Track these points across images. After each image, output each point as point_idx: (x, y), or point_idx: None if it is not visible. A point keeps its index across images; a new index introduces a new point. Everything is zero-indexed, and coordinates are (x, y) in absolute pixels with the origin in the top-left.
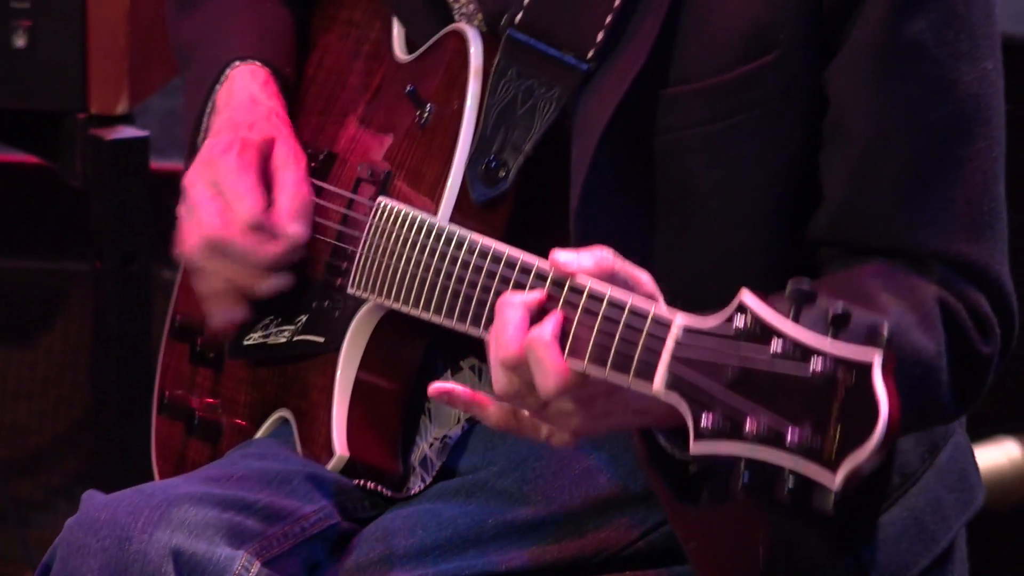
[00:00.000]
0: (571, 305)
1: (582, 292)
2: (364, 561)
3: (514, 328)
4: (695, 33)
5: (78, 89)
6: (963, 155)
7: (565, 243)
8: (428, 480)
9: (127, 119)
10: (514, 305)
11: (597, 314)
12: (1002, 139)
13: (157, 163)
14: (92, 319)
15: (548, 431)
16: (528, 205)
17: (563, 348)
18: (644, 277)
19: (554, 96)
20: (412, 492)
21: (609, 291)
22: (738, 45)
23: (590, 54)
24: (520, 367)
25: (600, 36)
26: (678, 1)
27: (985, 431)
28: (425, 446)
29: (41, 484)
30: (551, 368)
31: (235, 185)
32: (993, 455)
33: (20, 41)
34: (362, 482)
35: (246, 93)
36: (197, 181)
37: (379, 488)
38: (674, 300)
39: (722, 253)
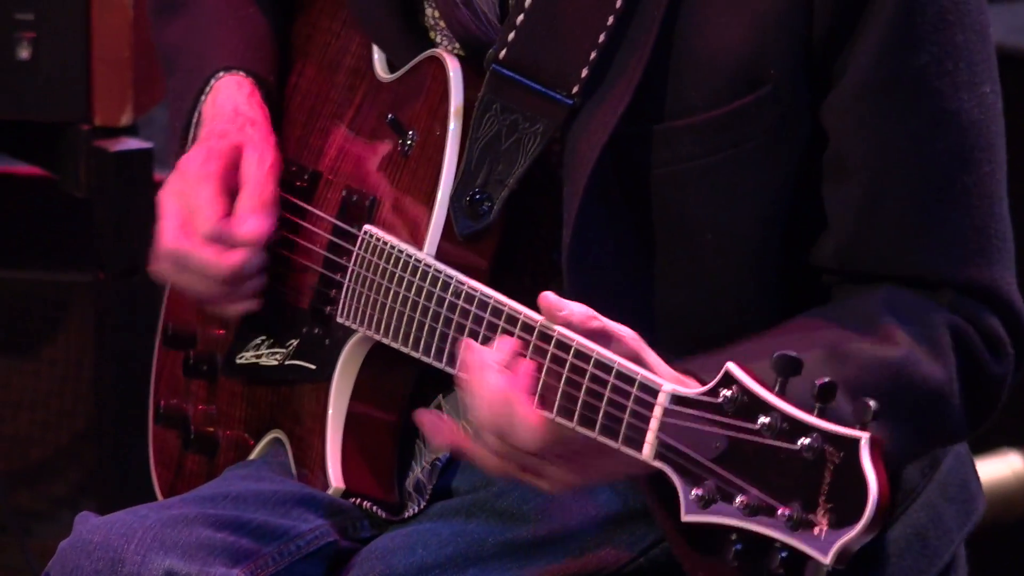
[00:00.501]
0: (558, 363)
1: (568, 349)
2: None
3: (488, 390)
4: (684, 68)
5: (82, 100)
6: (968, 182)
7: (557, 278)
8: (423, 504)
9: (131, 130)
10: (488, 368)
11: (584, 374)
12: (1003, 158)
13: (161, 174)
14: (95, 330)
15: (537, 483)
16: (518, 239)
17: (551, 408)
18: (627, 333)
19: (539, 131)
20: (408, 515)
21: (596, 351)
22: (729, 80)
23: (575, 89)
24: (498, 427)
25: (585, 72)
26: (664, 37)
27: (989, 444)
28: (418, 469)
29: (42, 495)
30: (526, 424)
31: (196, 196)
32: (997, 468)
33: (24, 52)
34: (359, 501)
35: (230, 104)
36: (167, 196)
37: (375, 509)
38: (670, 333)
39: (718, 285)
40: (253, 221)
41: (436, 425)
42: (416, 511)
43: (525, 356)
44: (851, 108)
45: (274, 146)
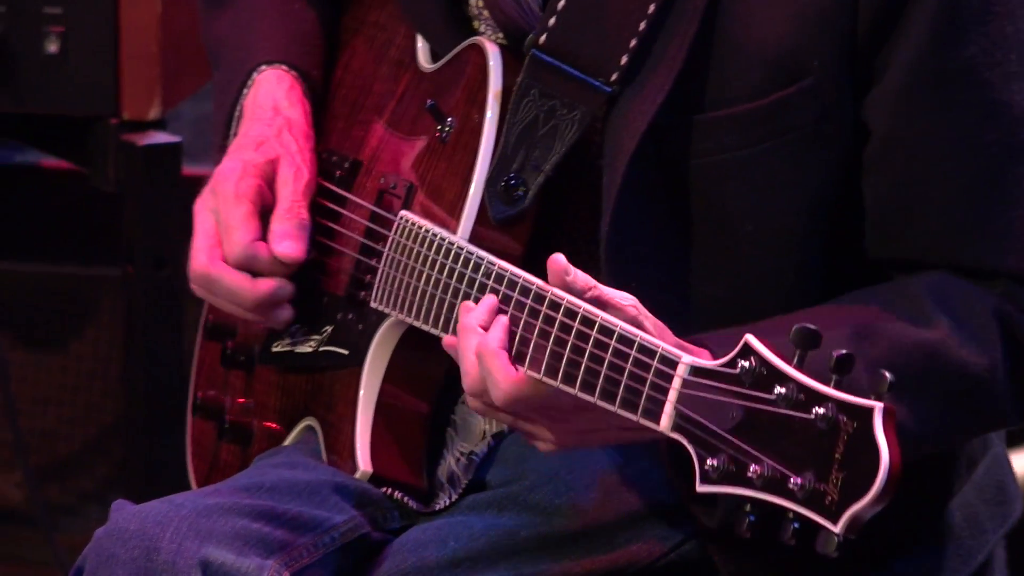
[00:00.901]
0: (582, 339)
1: (592, 325)
2: (395, 572)
3: (471, 354)
4: (726, 58)
5: (110, 95)
6: (1020, 173)
7: (595, 268)
8: (455, 496)
9: (159, 124)
10: (470, 331)
11: (607, 349)
12: None
13: (189, 168)
14: (123, 324)
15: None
16: (557, 229)
17: (571, 382)
18: (628, 300)
19: (576, 117)
20: (439, 507)
21: (620, 326)
22: (771, 71)
23: (614, 77)
24: (483, 393)
25: (624, 59)
26: (706, 26)
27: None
28: (452, 460)
29: (72, 490)
30: (499, 377)
31: (229, 216)
32: None
33: (52, 47)
34: (389, 491)
35: (270, 101)
36: (201, 209)
37: (406, 500)
38: (709, 324)
39: (758, 277)
40: (287, 244)
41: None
42: (448, 503)
43: (506, 312)
44: (898, 102)
45: (311, 154)
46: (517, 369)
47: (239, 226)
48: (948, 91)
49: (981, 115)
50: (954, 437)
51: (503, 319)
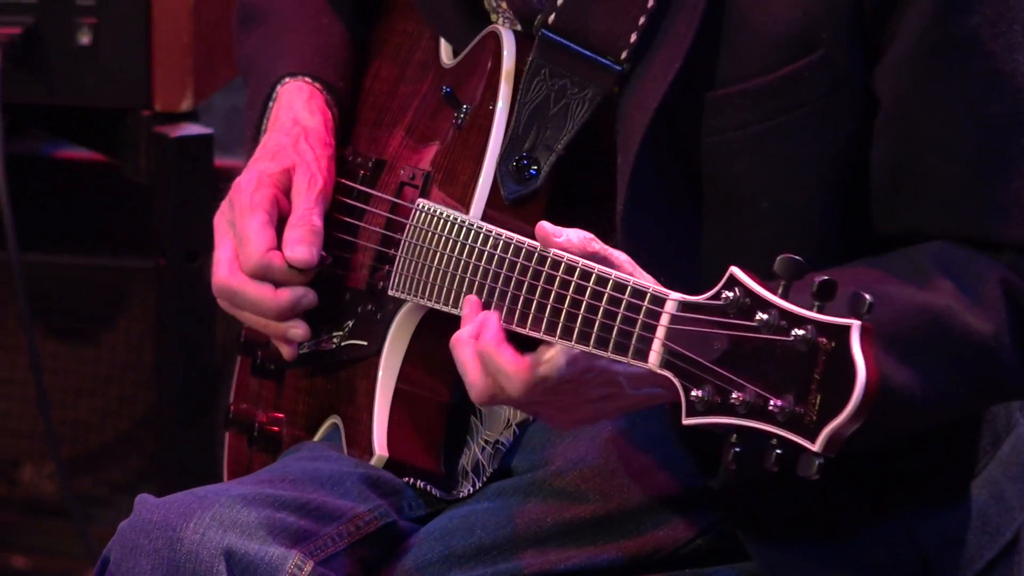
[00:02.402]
0: (580, 291)
1: (589, 277)
2: (423, 561)
3: (472, 366)
4: (735, 34)
5: (142, 86)
6: None
7: (610, 246)
8: (479, 484)
9: (191, 116)
10: (463, 343)
11: (602, 298)
12: None
13: (221, 160)
14: (155, 316)
15: (552, 421)
16: (568, 208)
17: (568, 335)
18: (623, 257)
19: (587, 97)
20: (462, 496)
21: (614, 274)
22: (781, 45)
23: (624, 55)
24: (494, 397)
25: (634, 37)
26: (715, 2)
27: None
28: (476, 449)
29: (103, 481)
30: (511, 370)
31: (244, 226)
32: None
33: (85, 38)
34: (412, 480)
35: (290, 114)
36: (220, 221)
37: (429, 488)
38: None
39: (771, 253)
40: (299, 250)
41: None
42: (471, 491)
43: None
44: (903, 72)
45: (328, 161)
46: (523, 355)
47: (254, 237)
48: (952, 61)
49: (986, 85)
50: (960, 404)
51: (491, 318)
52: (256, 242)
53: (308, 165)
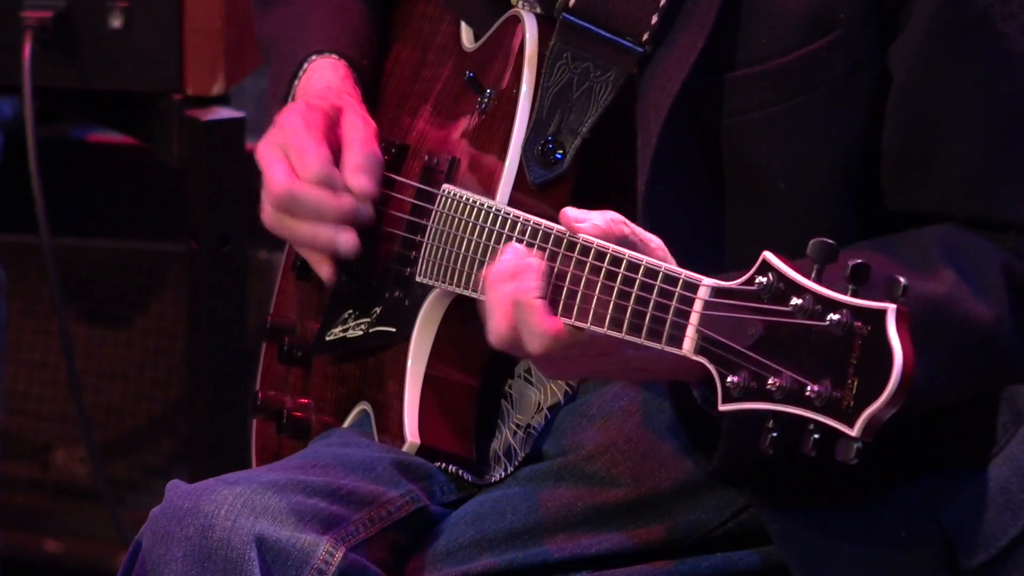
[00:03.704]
0: (611, 277)
1: (620, 263)
2: (454, 545)
3: (501, 304)
4: (755, 15)
5: (174, 70)
6: None
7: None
8: (511, 469)
9: (223, 100)
10: (518, 251)
11: (634, 284)
12: None
13: (252, 144)
14: (187, 300)
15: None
16: (593, 191)
17: (600, 322)
18: (655, 241)
19: (609, 79)
20: (494, 480)
21: (646, 260)
22: (800, 26)
23: (645, 37)
24: (515, 341)
25: (655, 19)
26: None
27: None
28: (508, 434)
29: (136, 465)
30: (538, 330)
31: (300, 142)
32: None
33: (116, 22)
34: (444, 465)
35: (323, 82)
36: (266, 148)
37: (460, 473)
38: None
39: (792, 234)
40: (362, 177)
41: None
42: (503, 476)
43: (544, 262)
44: (916, 51)
45: (366, 111)
46: (556, 318)
47: (312, 149)
48: (964, 41)
49: (997, 66)
50: (962, 390)
51: (533, 266)
52: (315, 153)
53: (355, 107)
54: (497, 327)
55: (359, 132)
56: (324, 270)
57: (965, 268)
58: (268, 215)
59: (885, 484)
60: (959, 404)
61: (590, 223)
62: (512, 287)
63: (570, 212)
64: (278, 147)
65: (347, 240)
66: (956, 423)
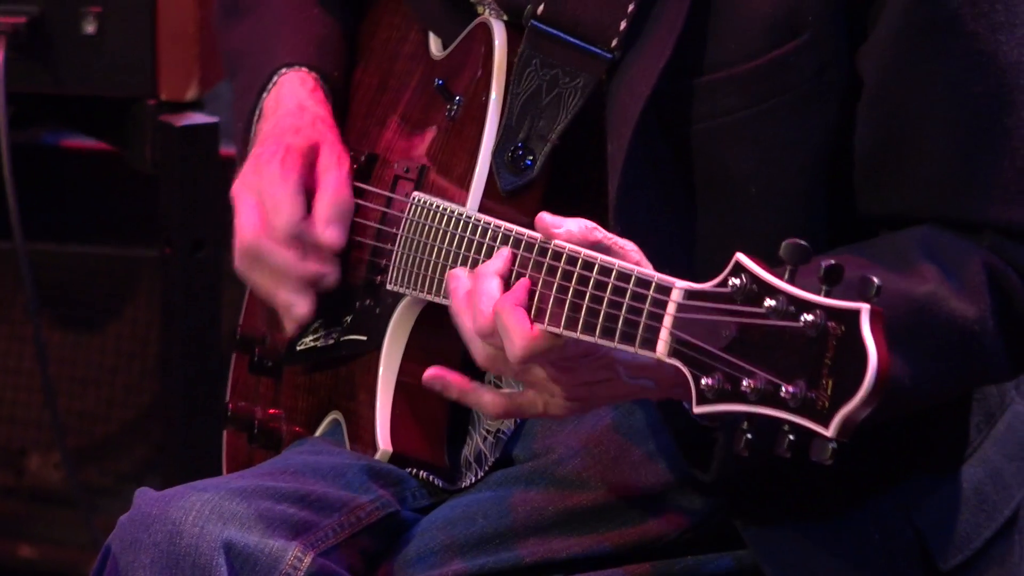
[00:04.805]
0: (583, 282)
1: (592, 267)
2: (426, 550)
3: (487, 298)
4: (723, 20)
5: (148, 75)
6: (1009, 124)
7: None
8: (481, 474)
9: (197, 105)
10: (488, 275)
11: (606, 288)
12: None
13: (227, 149)
14: (161, 306)
15: (543, 403)
16: (564, 197)
17: (573, 326)
18: (630, 245)
19: (579, 85)
20: (465, 486)
21: (618, 264)
22: (768, 29)
23: (614, 43)
24: (493, 335)
25: (623, 24)
26: None
27: None
28: (478, 439)
29: (109, 471)
30: (516, 334)
31: (275, 194)
32: None
33: (90, 27)
34: (415, 471)
35: (294, 100)
36: (242, 191)
37: (432, 479)
38: None
39: (764, 239)
40: (333, 230)
41: (440, 373)
42: (474, 481)
43: (524, 271)
44: (887, 52)
45: (344, 146)
46: (533, 326)
47: (288, 202)
48: (935, 41)
49: (968, 65)
50: (947, 390)
51: (523, 278)
52: (290, 209)
53: (333, 144)
54: (476, 322)
55: (332, 177)
56: (285, 323)
57: (947, 267)
58: (236, 260)
59: (857, 487)
60: (933, 406)
61: (565, 229)
62: (496, 283)
63: (546, 217)
64: (254, 192)
65: (301, 308)
66: (929, 425)
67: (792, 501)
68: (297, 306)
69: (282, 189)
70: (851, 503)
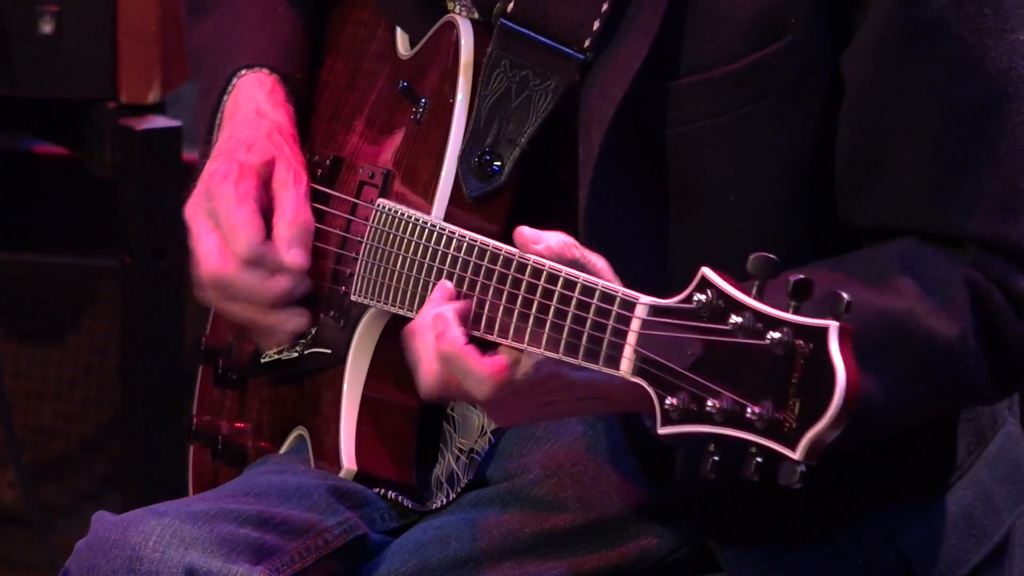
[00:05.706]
0: (547, 295)
1: (556, 280)
2: (395, 574)
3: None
4: (702, 21)
5: (107, 77)
6: (995, 133)
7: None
8: (452, 495)
9: (158, 108)
10: (421, 333)
11: (570, 302)
12: None
13: (190, 154)
14: (121, 317)
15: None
16: (533, 204)
17: (536, 341)
18: (601, 262)
19: (549, 88)
20: (436, 507)
21: (582, 278)
22: (748, 32)
23: (587, 43)
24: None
25: (597, 25)
26: None
27: None
28: (451, 458)
29: (67, 489)
30: (485, 373)
31: (231, 216)
32: None
33: (47, 27)
34: (383, 492)
35: (251, 105)
36: (196, 212)
37: (401, 499)
38: None
39: (739, 247)
40: (295, 252)
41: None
42: (445, 502)
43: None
44: (870, 56)
45: (301, 157)
46: (493, 357)
47: (244, 227)
48: (919, 45)
49: (952, 71)
50: (924, 410)
51: (450, 317)
52: (247, 232)
53: (289, 159)
54: (427, 380)
55: (290, 196)
56: (278, 341)
57: (926, 283)
58: (205, 292)
59: (840, 509)
60: (920, 425)
61: (545, 244)
62: (435, 344)
63: (525, 232)
64: (209, 216)
65: (297, 323)
66: (915, 446)
67: (771, 524)
68: (286, 323)
69: (238, 213)
70: (833, 526)
